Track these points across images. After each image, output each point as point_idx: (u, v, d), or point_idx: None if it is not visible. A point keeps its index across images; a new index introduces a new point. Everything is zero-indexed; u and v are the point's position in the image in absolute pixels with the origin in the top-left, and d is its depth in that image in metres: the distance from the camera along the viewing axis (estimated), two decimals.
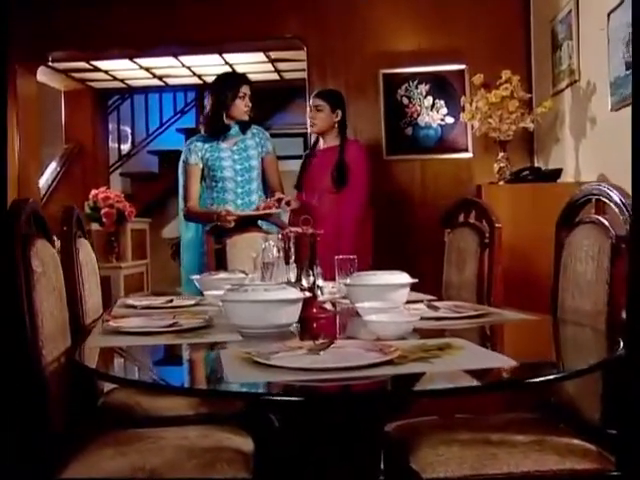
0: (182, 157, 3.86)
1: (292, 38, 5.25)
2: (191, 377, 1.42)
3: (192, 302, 2.32)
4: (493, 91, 4.16)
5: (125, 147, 9.11)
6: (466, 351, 1.51)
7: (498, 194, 3.85)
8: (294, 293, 1.80)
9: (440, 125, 4.98)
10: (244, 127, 3.81)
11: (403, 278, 2.17)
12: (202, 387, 1.31)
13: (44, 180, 7.32)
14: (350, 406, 1.33)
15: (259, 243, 3.40)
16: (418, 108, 4.99)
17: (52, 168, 7.65)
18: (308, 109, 4.21)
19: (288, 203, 3.69)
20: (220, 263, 3.50)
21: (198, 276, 2.71)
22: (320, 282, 2.10)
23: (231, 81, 3.81)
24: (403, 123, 5.00)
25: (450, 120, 4.96)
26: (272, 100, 8.13)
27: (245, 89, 3.75)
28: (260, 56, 6.74)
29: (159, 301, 2.33)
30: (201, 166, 3.76)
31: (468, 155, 4.97)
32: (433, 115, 4.99)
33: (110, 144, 8.70)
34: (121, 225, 6.22)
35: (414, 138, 4.99)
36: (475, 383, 1.32)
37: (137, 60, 7.00)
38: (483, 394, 1.43)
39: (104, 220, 5.96)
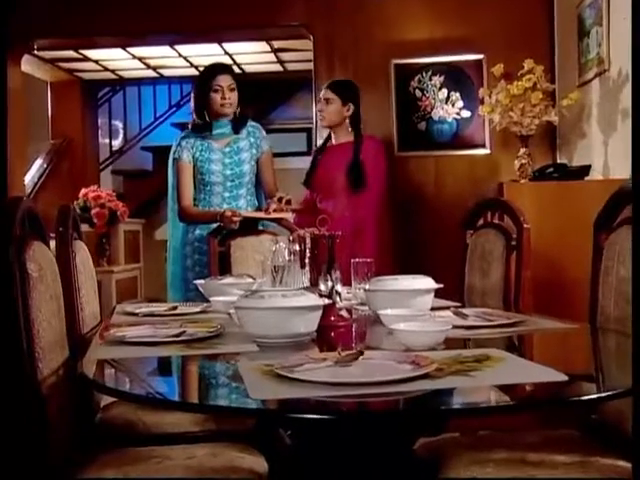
0: (173, 153, 3.74)
1: (297, 26, 5.21)
2: (209, 392, 1.37)
3: (198, 309, 2.27)
4: (515, 82, 4.11)
5: (116, 143, 9.10)
6: (507, 363, 1.46)
7: (521, 193, 3.80)
8: (314, 299, 1.76)
9: (455, 119, 4.94)
10: (237, 125, 3.70)
11: (428, 283, 2.13)
12: (225, 404, 1.26)
13: (29, 178, 7.27)
14: (384, 424, 1.28)
15: (266, 245, 3.48)
16: (432, 101, 4.95)
17: (38, 165, 7.60)
18: (314, 103, 4.17)
19: (289, 202, 3.62)
20: (223, 267, 3.46)
21: (202, 281, 2.67)
22: (339, 287, 2.05)
23: (206, 72, 3.70)
24: (416, 117, 4.96)
25: (466, 114, 4.92)
26: (274, 93, 8.09)
27: (222, 80, 3.61)
28: (263, 45, 6.70)
29: (162, 308, 2.30)
30: (193, 164, 3.67)
31: (485, 151, 4.92)
32: (448, 109, 4.94)
33: (100, 139, 8.67)
34: (113, 226, 6.19)
35: (428, 133, 4.95)
36: (529, 399, 1.27)
37: (130, 49, 6.95)
38: (533, 411, 1.38)
39: (95, 221, 5.92)
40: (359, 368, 1.39)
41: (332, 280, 2.01)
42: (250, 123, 3.79)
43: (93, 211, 5.93)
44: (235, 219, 3.44)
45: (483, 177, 4.87)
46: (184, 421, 2.12)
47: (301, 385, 1.27)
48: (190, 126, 3.74)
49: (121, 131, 9.10)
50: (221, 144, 3.69)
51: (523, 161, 4.20)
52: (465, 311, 2.12)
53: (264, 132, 3.84)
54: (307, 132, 8.47)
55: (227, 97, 3.61)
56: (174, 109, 8.91)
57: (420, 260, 4.45)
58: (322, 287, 2.01)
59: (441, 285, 2.16)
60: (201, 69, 7.80)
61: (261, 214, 3.57)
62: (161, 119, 8.91)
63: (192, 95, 3.76)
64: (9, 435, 1.48)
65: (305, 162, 4.51)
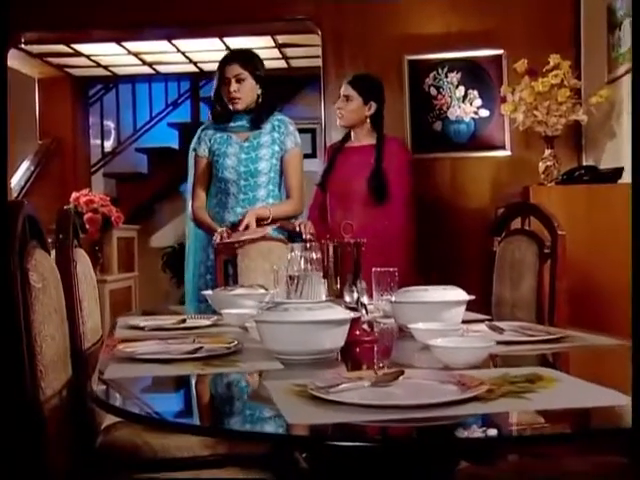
0: (192, 144, 3.71)
1: (304, 20, 5.17)
2: (238, 416, 1.30)
3: (208, 322, 2.22)
4: (539, 79, 4.06)
5: (109, 144, 9.03)
6: (563, 384, 1.40)
7: (549, 197, 3.75)
8: (342, 313, 1.70)
9: (473, 119, 4.91)
10: (256, 119, 3.56)
11: (459, 294, 2.08)
12: (260, 430, 1.19)
13: (15, 181, 7.22)
14: (432, 452, 1.22)
15: (276, 253, 3.43)
16: (448, 99, 4.91)
17: (25, 167, 7.54)
18: (322, 101, 4.09)
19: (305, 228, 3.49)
20: (228, 276, 3.41)
21: (210, 292, 2.63)
22: (365, 299, 2.00)
23: (219, 63, 3.60)
24: (431, 117, 4.93)
25: (485, 113, 4.89)
26: (277, 91, 8.04)
27: (229, 71, 3.49)
28: (267, 40, 6.67)
29: (170, 321, 2.24)
30: (209, 158, 3.60)
31: (505, 153, 4.90)
32: (465, 107, 4.91)
33: (92, 140, 8.60)
34: (106, 233, 6.12)
35: (444, 134, 4.92)
36: (598, 426, 1.20)
37: (125, 44, 6.91)
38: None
39: (87, 227, 5.85)
40: (400, 389, 1.33)
41: (358, 291, 1.95)
42: (276, 116, 3.63)
43: (85, 216, 5.86)
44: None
45: (503, 181, 4.84)
46: (193, 444, 2.05)
47: (339, 408, 1.21)
48: (210, 116, 3.68)
49: (114, 131, 9.02)
50: (241, 138, 3.58)
51: (548, 163, 4.15)
52: (500, 325, 2.06)
53: (292, 127, 3.64)
54: (312, 133, 8.41)
55: (233, 90, 3.50)
56: (171, 108, 8.83)
57: (437, 269, 4.38)
58: (347, 299, 1.95)
59: (473, 297, 2.10)
60: (200, 65, 7.91)
61: (237, 235, 3.41)
62: (157, 119, 8.81)
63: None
64: (6, 461, 1.42)
65: (309, 165, 4.45)
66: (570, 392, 1.34)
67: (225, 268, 3.42)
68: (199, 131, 3.69)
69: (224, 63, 3.55)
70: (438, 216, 4.91)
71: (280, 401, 1.26)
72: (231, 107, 3.54)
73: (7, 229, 1.37)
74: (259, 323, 1.70)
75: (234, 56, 3.62)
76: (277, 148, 3.58)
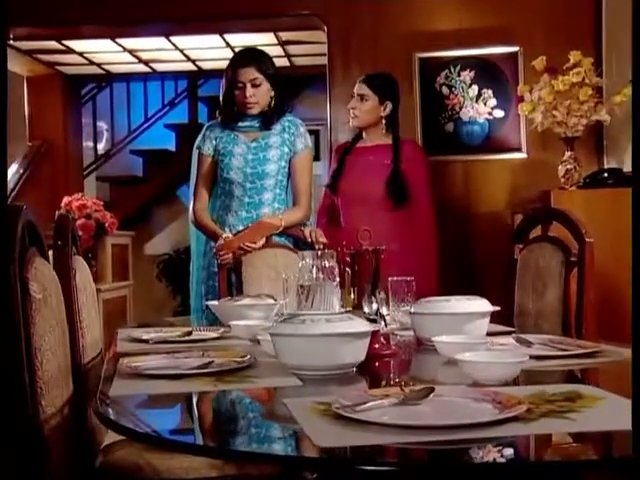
0: (197, 141, 3.67)
1: (309, 15, 5.14)
2: (260, 438, 1.25)
3: (215, 335, 2.19)
4: (560, 77, 4.03)
5: (102, 146, 9.01)
6: (607, 403, 1.36)
7: (572, 201, 3.72)
8: (363, 324, 1.67)
9: (487, 120, 4.88)
10: (267, 120, 3.53)
11: (484, 305, 2.05)
12: (290, 454, 1.15)
13: None
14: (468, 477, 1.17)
15: (281, 261, 3.39)
16: (461, 99, 4.89)
17: (14, 170, 7.52)
18: (328, 101, 4.05)
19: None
20: (232, 284, 3.39)
21: (216, 302, 2.60)
22: (384, 310, 1.96)
23: (229, 65, 3.55)
24: (443, 117, 4.91)
25: (499, 113, 4.86)
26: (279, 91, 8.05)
27: (244, 75, 3.43)
28: (269, 37, 6.64)
29: (175, 334, 2.20)
30: (214, 157, 3.57)
31: (521, 155, 4.86)
32: (479, 108, 4.88)
33: (84, 142, 8.58)
34: (99, 239, 6.08)
35: (456, 135, 4.90)
36: None
37: (119, 40, 6.86)
38: None
39: (80, 233, 5.80)
40: (431, 407, 1.29)
41: (377, 302, 1.91)
42: (287, 117, 3.59)
43: (78, 222, 5.82)
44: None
45: (519, 184, 4.82)
46: (198, 464, 2.02)
47: (368, 428, 1.17)
48: (217, 115, 3.64)
49: (107, 133, 9.00)
50: (249, 138, 3.55)
51: (569, 166, 4.12)
52: (528, 338, 2.02)
53: (303, 128, 3.60)
54: (315, 135, 8.38)
55: (249, 95, 3.44)
56: (167, 108, 8.82)
57: (449, 277, 4.33)
58: (366, 309, 1.92)
59: (498, 308, 2.08)
60: (199, 64, 7.88)
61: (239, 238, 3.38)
62: (153, 119, 8.79)
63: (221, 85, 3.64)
64: None
65: (313, 168, 4.40)
66: (617, 412, 1.29)
67: (228, 276, 3.38)
68: (204, 129, 3.66)
69: (237, 66, 3.49)
70: (450, 222, 4.85)
71: (304, 421, 1.22)
72: (245, 112, 3.51)
73: (6, 235, 1.33)
74: (274, 336, 1.67)
75: (248, 58, 3.53)
76: (286, 150, 3.55)
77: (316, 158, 8.03)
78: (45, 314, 1.47)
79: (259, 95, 3.46)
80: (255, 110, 3.49)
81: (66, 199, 5.97)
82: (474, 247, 4.71)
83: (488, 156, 4.86)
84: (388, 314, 2.30)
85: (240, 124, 3.55)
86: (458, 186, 4.92)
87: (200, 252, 3.65)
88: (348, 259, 2.02)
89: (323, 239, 3.38)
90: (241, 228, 3.47)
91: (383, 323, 1.98)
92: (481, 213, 4.84)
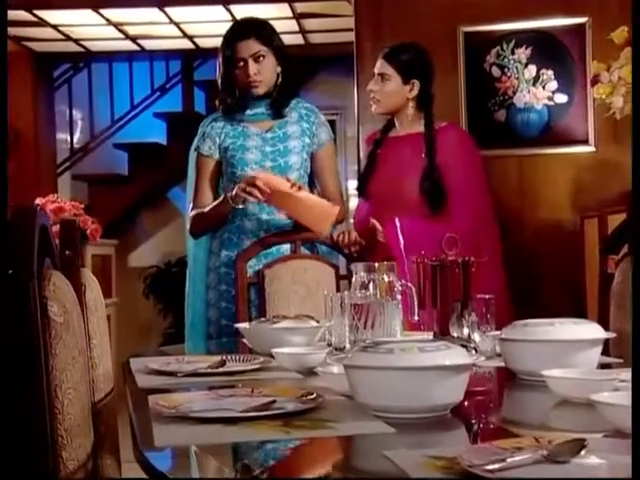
0: (195, 141, 3.65)
1: None
2: None
3: (256, 366, 2.13)
4: None
5: (79, 138, 9.04)
6: None
7: None
8: (463, 355, 1.61)
9: (547, 106, 4.86)
10: (277, 104, 3.53)
11: (595, 330, 1.98)
12: None
13: None
14: None
15: (310, 275, 3.36)
16: (515, 82, 4.87)
17: None
18: (355, 86, 3.98)
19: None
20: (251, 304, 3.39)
21: (246, 324, 2.58)
22: (476, 336, 1.88)
23: (224, 40, 3.55)
24: (493, 104, 4.90)
25: (562, 99, 4.84)
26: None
27: (244, 49, 3.42)
28: (282, 9, 6.65)
29: (204, 364, 2.14)
30: (217, 158, 3.55)
31: (589, 149, 4.85)
32: (537, 92, 4.86)
33: (58, 134, 8.67)
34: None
35: (509, 125, 4.89)
36: None
37: (104, 11, 6.93)
38: None
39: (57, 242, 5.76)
40: (585, 467, 1.20)
41: (468, 325, 1.84)
42: (303, 104, 3.62)
43: (54, 228, 5.76)
44: (261, 186, 3.21)
45: (586, 183, 4.80)
46: None
47: None
48: (218, 105, 3.61)
49: (85, 123, 9.01)
50: (261, 128, 3.54)
51: None
52: None
53: (323, 117, 3.68)
54: (331, 125, 8.36)
55: (252, 73, 3.43)
56: (158, 94, 8.85)
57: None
58: (455, 334, 1.84)
59: (613, 334, 2.00)
60: (196, 40, 7.86)
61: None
62: (140, 108, 8.83)
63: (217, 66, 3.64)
64: None
65: None
66: None
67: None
68: (203, 125, 3.65)
69: (235, 39, 3.48)
70: (502, 228, 4.81)
71: None
72: (251, 92, 3.50)
73: (21, 244, 1.24)
74: (352, 369, 1.59)
75: (247, 29, 3.54)
76: (308, 140, 3.56)
77: None
78: (67, 342, 1.41)
79: (264, 71, 3.46)
80: (261, 90, 3.49)
81: (39, 200, 5.95)
82: (533, 259, 4.65)
83: (548, 150, 4.86)
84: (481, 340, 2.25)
85: (248, 112, 3.55)
86: (512, 186, 4.89)
87: (201, 260, 3.58)
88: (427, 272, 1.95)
89: (358, 239, 3.40)
90: (263, 235, 3.44)
91: (474, 352, 1.91)
92: (540, 218, 4.82)
